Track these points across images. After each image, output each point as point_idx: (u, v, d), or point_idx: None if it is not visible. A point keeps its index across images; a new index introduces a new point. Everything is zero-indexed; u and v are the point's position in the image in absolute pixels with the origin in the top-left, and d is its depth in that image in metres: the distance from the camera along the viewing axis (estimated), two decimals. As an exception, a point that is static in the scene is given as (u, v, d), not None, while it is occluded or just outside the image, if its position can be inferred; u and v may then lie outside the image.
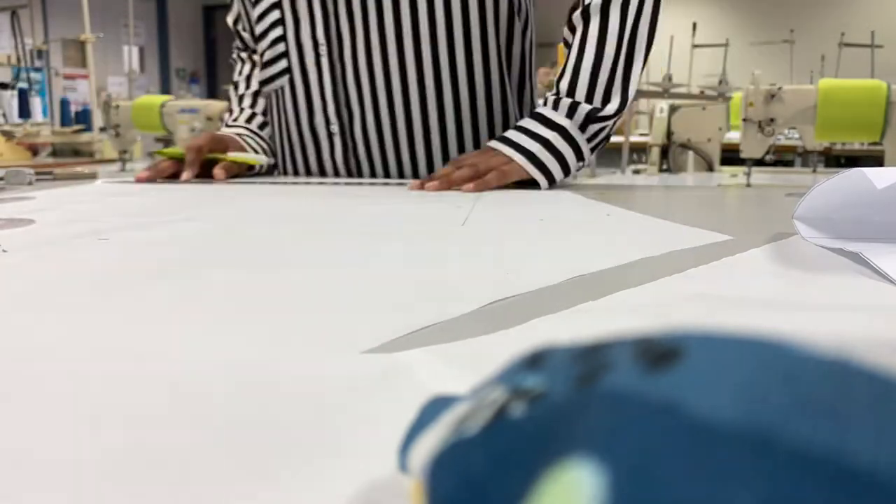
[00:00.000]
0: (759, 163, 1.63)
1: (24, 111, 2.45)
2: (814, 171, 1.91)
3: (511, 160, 0.83)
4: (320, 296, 0.33)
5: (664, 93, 1.97)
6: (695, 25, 3.90)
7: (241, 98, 1.11)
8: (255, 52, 1.09)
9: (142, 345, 0.26)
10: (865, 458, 0.08)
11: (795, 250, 0.43)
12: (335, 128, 0.97)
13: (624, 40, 0.84)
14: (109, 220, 0.56)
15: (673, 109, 1.78)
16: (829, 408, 0.08)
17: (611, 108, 0.85)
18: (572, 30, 0.89)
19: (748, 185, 1.19)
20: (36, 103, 2.64)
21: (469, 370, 0.23)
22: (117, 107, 1.66)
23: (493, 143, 0.86)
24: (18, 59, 2.54)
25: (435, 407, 0.14)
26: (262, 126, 1.09)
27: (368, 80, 0.93)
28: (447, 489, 0.11)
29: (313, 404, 0.20)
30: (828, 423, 0.08)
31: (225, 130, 1.06)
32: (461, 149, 0.97)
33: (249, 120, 1.09)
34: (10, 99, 2.62)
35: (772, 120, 1.33)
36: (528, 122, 0.86)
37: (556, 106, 0.85)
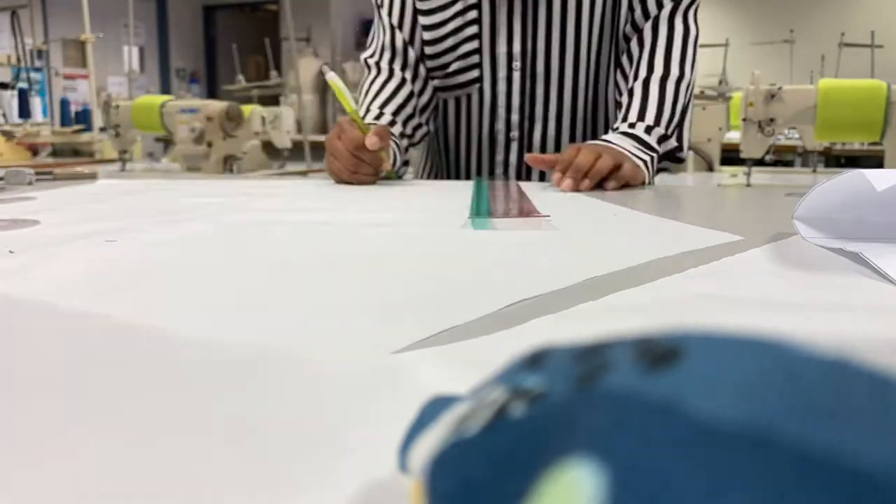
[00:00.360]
0: (759, 163, 1.63)
1: (24, 111, 2.45)
2: (814, 171, 1.90)
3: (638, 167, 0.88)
4: (321, 296, 0.33)
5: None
6: (695, 25, 3.89)
7: (382, 103, 1.03)
8: (413, 70, 1.04)
9: (141, 343, 0.26)
10: (865, 458, 0.08)
11: (795, 250, 0.43)
12: (515, 134, 1.02)
13: (688, 87, 0.95)
14: (114, 221, 0.56)
15: (673, 109, 1.78)
16: (829, 408, 0.08)
17: (683, 154, 0.96)
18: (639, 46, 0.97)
19: (748, 185, 1.19)
20: (36, 103, 2.64)
21: (469, 370, 0.23)
22: (117, 107, 1.66)
23: (618, 144, 0.89)
24: (18, 59, 2.54)
25: (435, 407, 0.14)
26: (401, 136, 1.03)
27: (557, 93, 0.99)
28: (447, 489, 0.11)
29: (313, 404, 0.20)
30: (828, 423, 0.08)
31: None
32: None
33: (391, 125, 1.02)
34: (10, 99, 2.62)
35: (772, 120, 1.33)
36: (632, 141, 0.91)
37: (648, 131, 0.91)
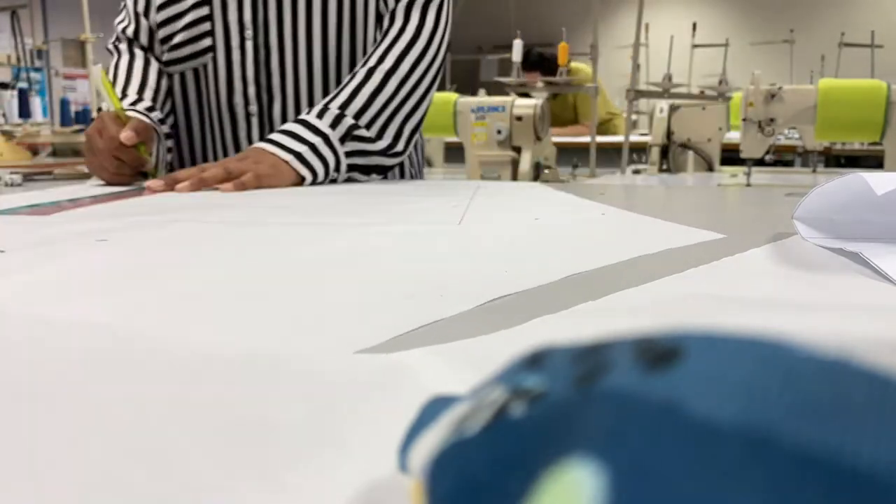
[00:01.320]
0: (759, 163, 1.63)
1: (24, 111, 2.45)
2: (814, 171, 1.91)
3: (281, 161, 0.86)
4: (319, 294, 0.33)
5: (664, 93, 1.97)
6: (695, 25, 3.89)
7: (139, 87, 1.01)
8: (145, 45, 1.04)
9: (140, 344, 0.26)
10: (865, 458, 0.08)
11: (795, 250, 0.43)
12: (254, 108, 0.99)
13: (409, 82, 0.94)
14: (105, 221, 0.56)
15: (673, 109, 1.78)
16: (829, 408, 0.08)
17: (381, 144, 0.93)
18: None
19: (748, 185, 1.19)
20: (36, 103, 2.64)
21: (469, 370, 0.23)
22: (117, 107, 1.65)
23: (262, 145, 0.88)
24: (18, 59, 2.54)
25: (435, 407, 0.14)
26: (160, 121, 1.01)
27: (292, 67, 0.97)
28: (447, 489, 0.11)
29: (313, 404, 0.20)
30: (827, 423, 0.08)
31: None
32: None
33: (150, 111, 0.99)
34: (10, 99, 2.62)
35: (772, 120, 1.33)
36: (293, 127, 0.90)
37: (321, 115, 0.90)
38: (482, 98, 1.75)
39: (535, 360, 0.12)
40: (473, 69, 6.14)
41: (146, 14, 1.03)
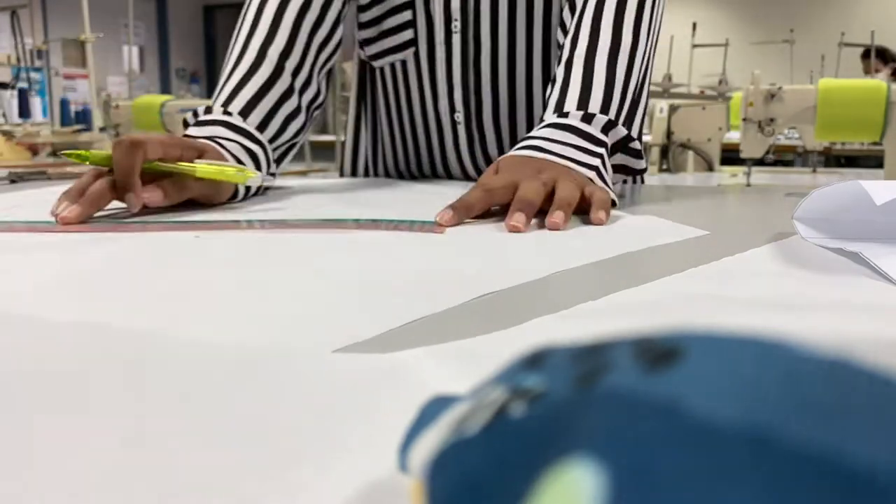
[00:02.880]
0: (759, 163, 1.63)
1: (24, 111, 2.46)
2: (814, 171, 1.91)
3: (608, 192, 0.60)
4: (318, 292, 0.33)
5: (664, 93, 1.97)
6: (695, 25, 3.90)
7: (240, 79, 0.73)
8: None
9: (139, 343, 0.26)
10: (865, 458, 0.08)
11: (795, 250, 0.43)
12: (460, 116, 0.83)
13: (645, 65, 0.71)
14: (94, 221, 0.56)
15: (673, 109, 1.78)
16: (829, 408, 0.08)
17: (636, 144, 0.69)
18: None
19: (748, 185, 1.20)
20: (36, 103, 2.65)
21: (469, 370, 0.23)
22: (117, 106, 1.66)
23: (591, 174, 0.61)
24: (18, 59, 2.54)
25: (435, 407, 0.14)
26: (263, 125, 0.72)
27: (507, 64, 0.80)
28: (447, 489, 0.11)
29: (313, 404, 0.20)
30: (827, 423, 0.08)
31: (191, 131, 0.69)
32: None
33: (244, 112, 0.71)
34: (10, 99, 2.62)
35: (772, 120, 1.33)
36: (583, 142, 0.63)
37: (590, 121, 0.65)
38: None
39: (535, 360, 0.12)
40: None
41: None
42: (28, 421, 0.19)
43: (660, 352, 0.10)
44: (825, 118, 1.26)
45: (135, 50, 7.52)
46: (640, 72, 0.70)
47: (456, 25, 0.79)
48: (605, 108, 0.65)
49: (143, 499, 0.15)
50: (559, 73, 0.69)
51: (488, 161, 0.84)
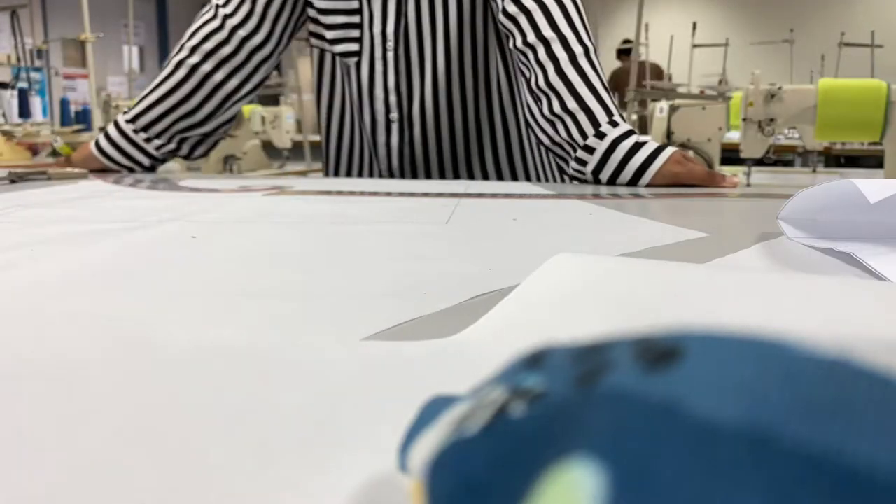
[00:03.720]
0: (759, 163, 1.63)
1: (24, 111, 2.45)
2: (814, 171, 1.91)
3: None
4: (317, 291, 0.33)
5: (664, 93, 1.97)
6: (695, 25, 3.90)
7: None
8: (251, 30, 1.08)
9: (141, 337, 0.26)
10: (865, 458, 0.08)
11: (795, 250, 0.43)
12: (394, 115, 1.05)
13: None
14: (91, 222, 0.56)
15: (673, 109, 1.78)
16: (829, 407, 0.08)
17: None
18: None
19: (748, 185, 1.19)
20: (36, 103, 2.64)
21: (469, 370, 0.23)
22: (117, 106, 1.66)
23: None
24: (18, 59, 2.54)
25: (435, 407, 0.14)
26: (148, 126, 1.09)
27: (431, 75, 1.02)
28: (447, 489, 0.11)
29: (312, 404, 0.20)
30: (828, 423, 0.08)
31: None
32: (507, 148, 1.08)
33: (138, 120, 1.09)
34: (10, 99, 2.62)
35: (772, 120, 1.33)
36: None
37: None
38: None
39: (536, 360, 0.12)
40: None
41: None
42: (28, 416, 0.19)
43: (660, 352, 0.10)
44: (825, 118, 1.26)
45: (135, 50, 7.52)
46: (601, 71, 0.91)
47: (390, 45, 1.03)
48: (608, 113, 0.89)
49: (145, 494, 0.15)
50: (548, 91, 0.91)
51: (415, 160, 1.07)
